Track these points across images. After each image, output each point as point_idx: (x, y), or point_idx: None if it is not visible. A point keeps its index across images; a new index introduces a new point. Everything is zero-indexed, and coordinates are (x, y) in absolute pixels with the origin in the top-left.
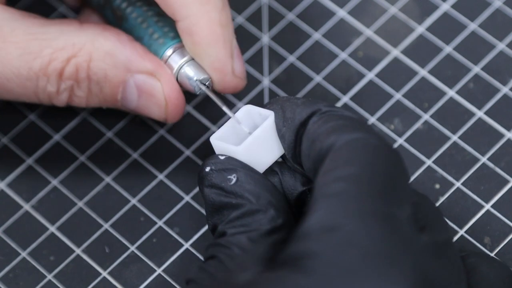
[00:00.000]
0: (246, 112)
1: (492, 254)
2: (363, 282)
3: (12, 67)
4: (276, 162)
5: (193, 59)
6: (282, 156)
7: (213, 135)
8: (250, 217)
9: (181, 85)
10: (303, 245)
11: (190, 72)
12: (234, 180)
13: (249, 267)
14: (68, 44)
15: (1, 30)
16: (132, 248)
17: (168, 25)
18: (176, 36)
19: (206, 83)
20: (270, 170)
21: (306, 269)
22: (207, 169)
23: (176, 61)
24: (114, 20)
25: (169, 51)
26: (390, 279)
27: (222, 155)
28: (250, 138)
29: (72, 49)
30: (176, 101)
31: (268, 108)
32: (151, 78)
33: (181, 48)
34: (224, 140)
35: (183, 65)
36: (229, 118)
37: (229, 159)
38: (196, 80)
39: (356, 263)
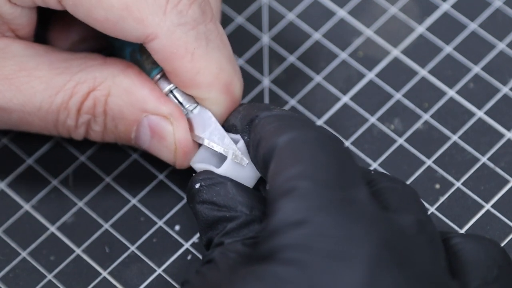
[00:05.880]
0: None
1: None
2: (338, 265)
3: (35, 101)
4: None
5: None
6: None
7: (193, 159)
8: (246, 228)
9: None
10: (275, 241)
11: (179, 98)
12: (231, 191)
13: (240, 268)
14: (90, 78)
15: (26, 65)
16: (132, 248)
17: None
18: None
19: (192, 109)
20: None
21: (282, 260)
22: (197, 185)
23: (164, 87)
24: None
25: (156, 76)
26: (360, 261)
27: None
28: (228, 159)
29: (93, 83)
30: (186, 148)
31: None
32: (164, 121)
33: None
34: (204, 161)
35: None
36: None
37: (218, 174)
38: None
39: (328, 249)
